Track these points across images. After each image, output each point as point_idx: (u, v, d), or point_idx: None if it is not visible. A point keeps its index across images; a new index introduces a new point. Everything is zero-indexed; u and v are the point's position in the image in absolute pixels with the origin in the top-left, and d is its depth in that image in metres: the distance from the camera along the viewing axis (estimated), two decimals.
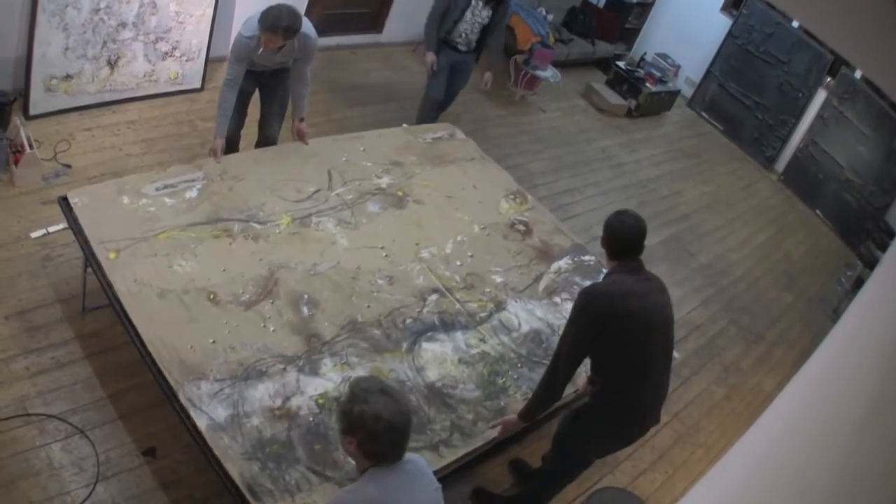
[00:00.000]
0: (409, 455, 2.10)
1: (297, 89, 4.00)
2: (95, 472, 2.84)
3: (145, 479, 2.90)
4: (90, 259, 3.01)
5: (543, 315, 3.59)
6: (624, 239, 2.70)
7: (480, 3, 4.90)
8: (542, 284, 3.78)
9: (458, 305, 3.44)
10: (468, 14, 4.92)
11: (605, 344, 2.66)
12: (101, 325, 3.36)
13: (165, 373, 2.65)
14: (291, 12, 3.52)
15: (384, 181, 3.98)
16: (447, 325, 3.32)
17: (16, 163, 3.86)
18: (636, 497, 3.60)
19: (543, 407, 2.84)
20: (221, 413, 2.61)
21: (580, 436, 2.91)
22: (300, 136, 4.05)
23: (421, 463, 2.17)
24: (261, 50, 3.64)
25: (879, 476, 0.94)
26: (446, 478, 2.71)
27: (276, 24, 3.46)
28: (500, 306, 3.53)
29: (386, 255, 3.54)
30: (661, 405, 2.89)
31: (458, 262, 3.68)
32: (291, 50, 3.76)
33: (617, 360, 2.70)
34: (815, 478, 1.05)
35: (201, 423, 2.55)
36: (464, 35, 5.00)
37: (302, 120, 4.04)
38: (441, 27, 4.98)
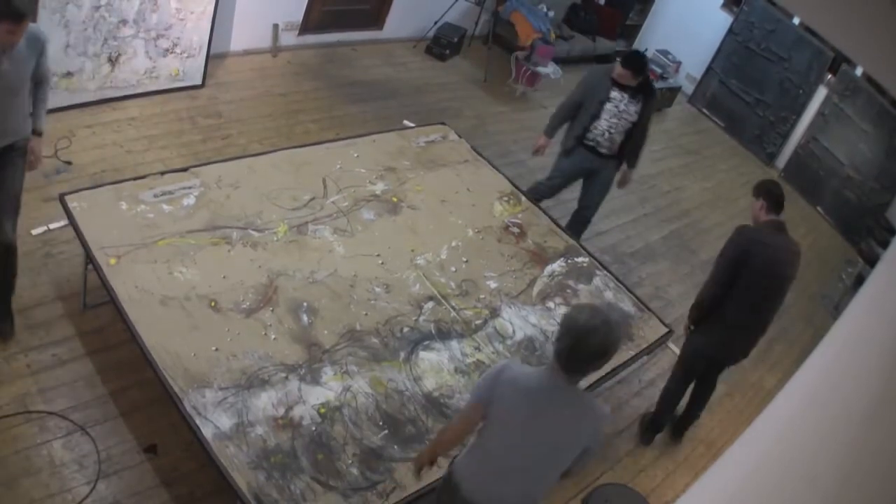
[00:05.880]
0: (587, 395, 2.38)
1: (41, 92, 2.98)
2: (97, 470, 2.84)
3: (147, 477, 2.90)
4: (91, 260, 3.01)
5: (537, 321, 3.60)
6: (779, 195, 3.59)
7: (626, 98, 4.10)
8: (535, 289, 3.78)
9: (453, 313, 3.45)
10: (608, 107, 4.14)
11: (739, 273, 3.37)
12: (101, 322, 3.36)
13: (170, 381, 2.65)
14: None
15: (378, 187, 3.98)
16: (443, 333, 3.33)
17: None
18: (637, 493, 3.60)
19: (695, 315, 3.64)
20: (226, 422, 2.62)
21: (693, 339, 3.71)
22: (33, 157, 3.06)
23: (587, 405, 2.27)
24: None
25: (883, 470, 0.94)
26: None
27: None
28: (494, 313, 3.54)
29: (382, 263, 3.54)
30: (755, 343, 3.63)
31: (453, 268, 3.68)
32: (25, 52, 2.67)
33: (740, 289, 3.40)
34: (819, 473, 1.05)
35: (207, 431, 2.55)
36: (606, 134, 4.26)
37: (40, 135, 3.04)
38: (576, 122, 4.32)
